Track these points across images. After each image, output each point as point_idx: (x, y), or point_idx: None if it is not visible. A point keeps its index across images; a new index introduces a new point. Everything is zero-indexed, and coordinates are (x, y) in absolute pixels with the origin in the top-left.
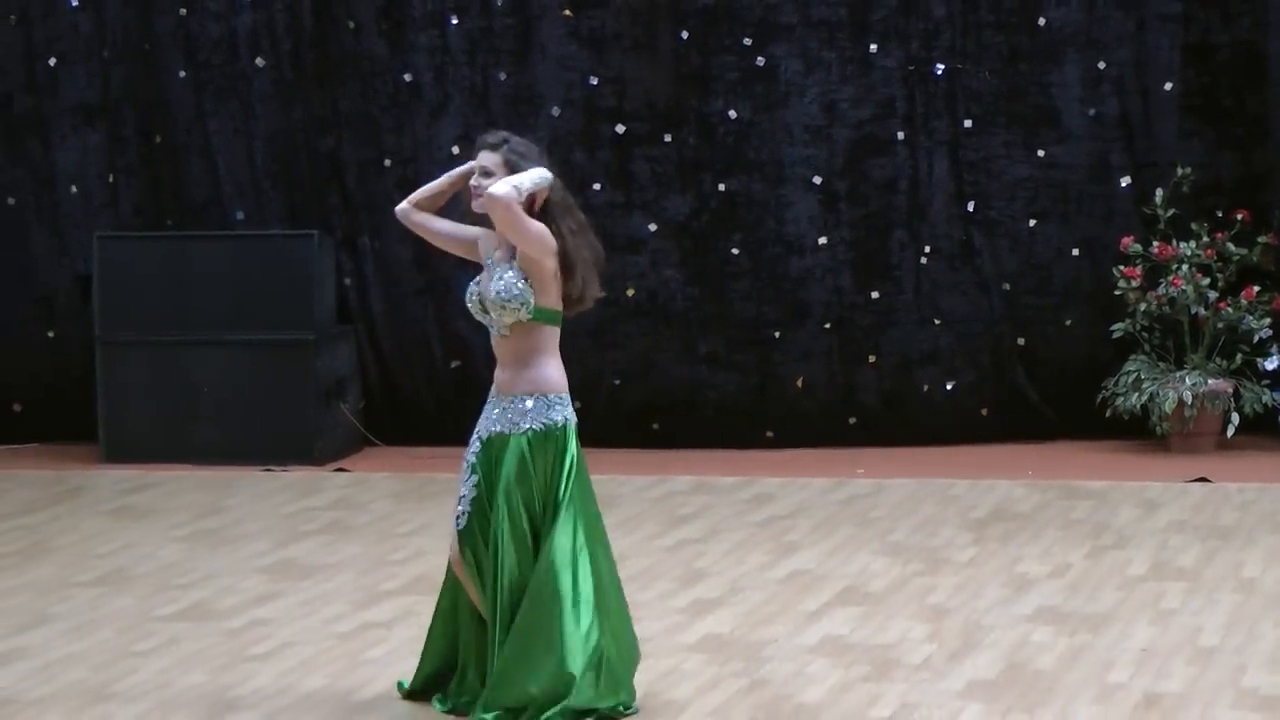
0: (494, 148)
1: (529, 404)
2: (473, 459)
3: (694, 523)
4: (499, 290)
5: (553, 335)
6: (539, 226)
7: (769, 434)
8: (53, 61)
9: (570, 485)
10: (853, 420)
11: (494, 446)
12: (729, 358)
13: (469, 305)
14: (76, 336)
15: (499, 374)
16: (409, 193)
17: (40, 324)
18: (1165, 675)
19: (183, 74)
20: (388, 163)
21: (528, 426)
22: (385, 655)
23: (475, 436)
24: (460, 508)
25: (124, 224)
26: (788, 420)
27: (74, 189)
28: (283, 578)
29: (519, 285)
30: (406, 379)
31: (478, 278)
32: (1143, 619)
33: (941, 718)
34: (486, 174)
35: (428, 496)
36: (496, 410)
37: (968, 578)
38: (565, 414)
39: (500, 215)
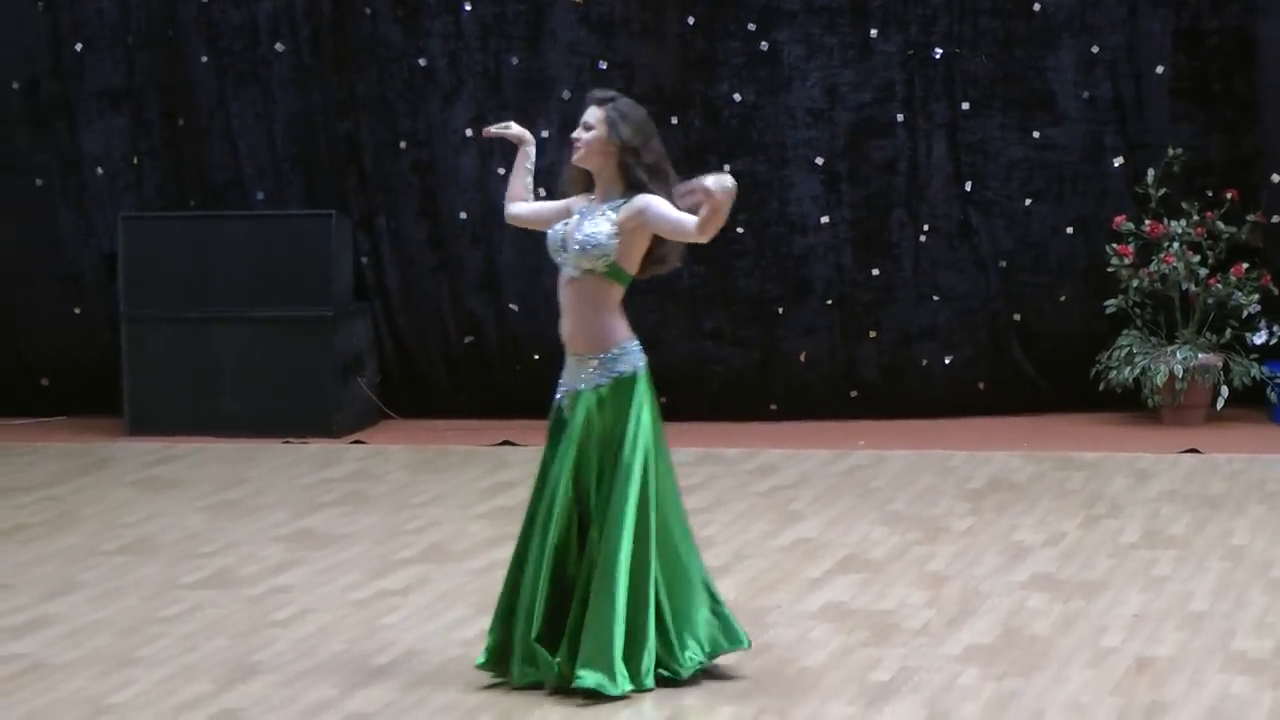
0: (600, 103)
1: (593, 364)
2: (550, 419)
3: (700, 493)
4: (586, 235)
5: (618, 294)
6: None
7: (772, 407)
8: (79, 47)
9: (636, 443)
10: (854, 394)
11: (566, 405)
12: (734, 333)
13: (549, 241)
14: (102, 313)
15: (562, 324)
16: (423, 174)
17: (67, 301)
18: (1156, 640)
19: (205, 59)
20: (403, 145)
21: (596, 384)
22: (400, 621)
23: (556, 395)
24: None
25: (148, 204)
26: (791, 394)
27: (100, 171)
28: (302, 546)
29: (608, 238)
30: (421, 354)
31: (566, 220)
32: (1134, 586)
33: (940, 681)
34: (587, 128)
35: (442, 468)
36: (568, 369)
37: (965, 546)
38: (633, 362)
39: (717, 221)
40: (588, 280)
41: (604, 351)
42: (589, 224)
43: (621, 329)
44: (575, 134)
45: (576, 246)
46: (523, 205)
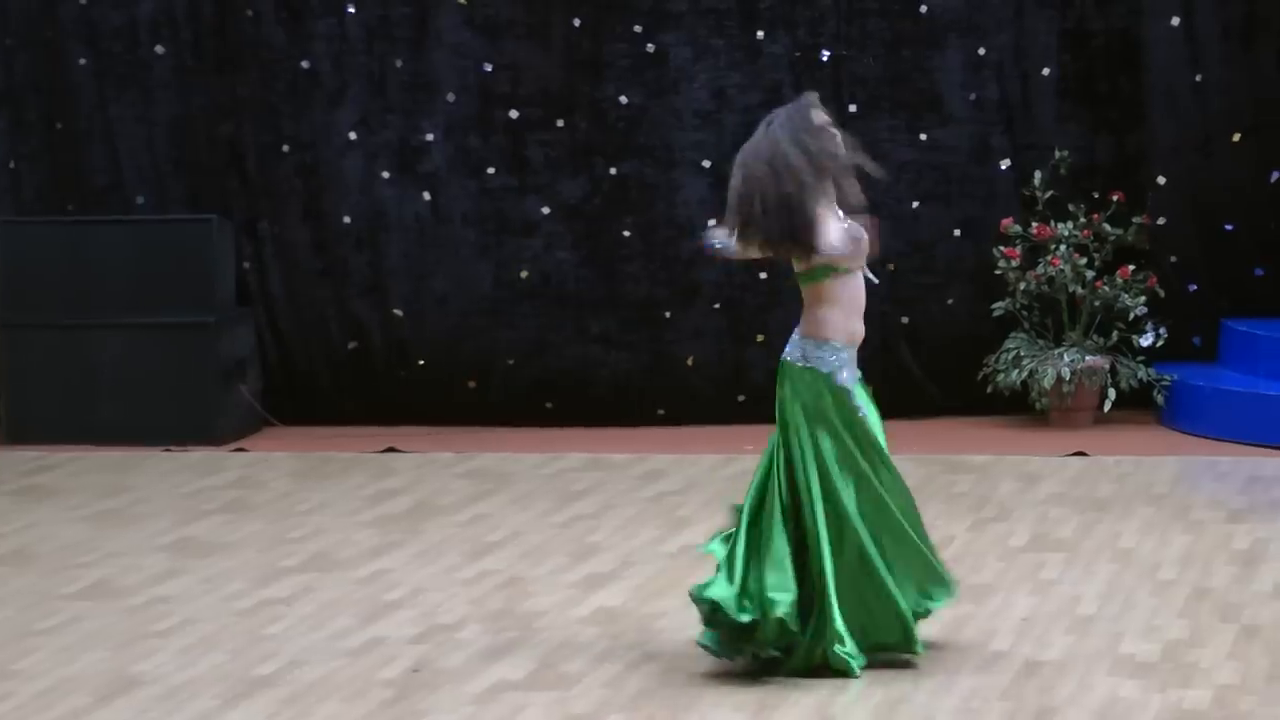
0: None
1: (795, 336)
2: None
3: (587, 499)
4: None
5: (829, 289)
6: (833, 233)
7: (660, 412)
8: None
9: (790, 436)
10: (742, 398)
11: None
12: (621, 337)
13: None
14: None
15: (857, 322)
16: (307, 178)
17: None
18: (1045, 644)
19: (84, 61)
20: (286, 148)
21: (786, 355)
22: (284, 631)
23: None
24: None
25: (26, 209)
26: (678, 398)
27: None
28: (183, 556)
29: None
30: (305, 360)
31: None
32: (1023, 589)
33: (829, 686)
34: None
35: (326, 475)
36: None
37: None
38: (830, 362)
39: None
40: (802, 277)
41: (808, 336)
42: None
43: (828, 324)
44: None
45: None
46: None
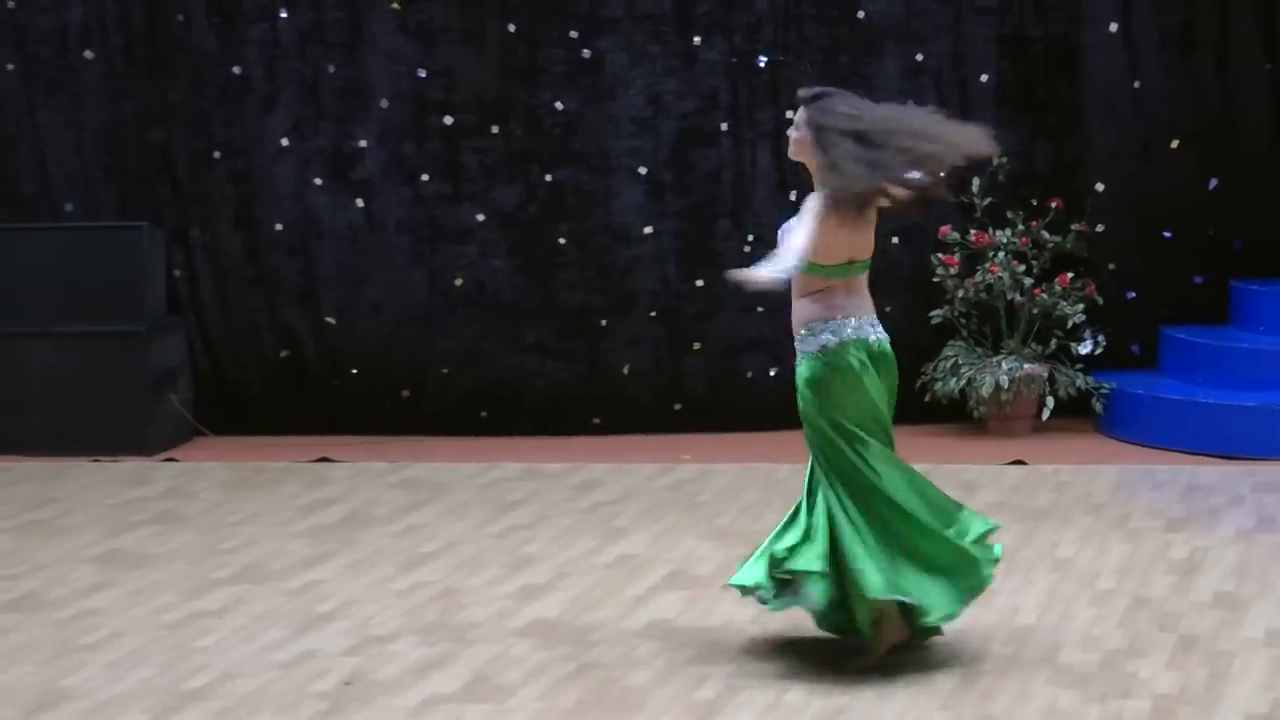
0: (805, 103)
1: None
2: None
3: (522, 509)
4: None
5: (808, 281)
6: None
7: (596, 421)
8: None
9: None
10: (678, 407)
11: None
12: (556, 346)
13: None
14: None
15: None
16: (239, 185)
17: None
18: (983, 653)
19: (12, 66)
20: (218, 155)
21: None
22: (215, 644)
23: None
24: None
25: None
26: (615, 407)
27: None
28: (112, 568)
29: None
30: (237, 369)
31: None
32: None
33: (766, 698)
34: (794, 129)
35: (258, 485)
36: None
37: None
38: (818, 341)
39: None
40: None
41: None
42: None
43: (803, 312)
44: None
45: None
46: None
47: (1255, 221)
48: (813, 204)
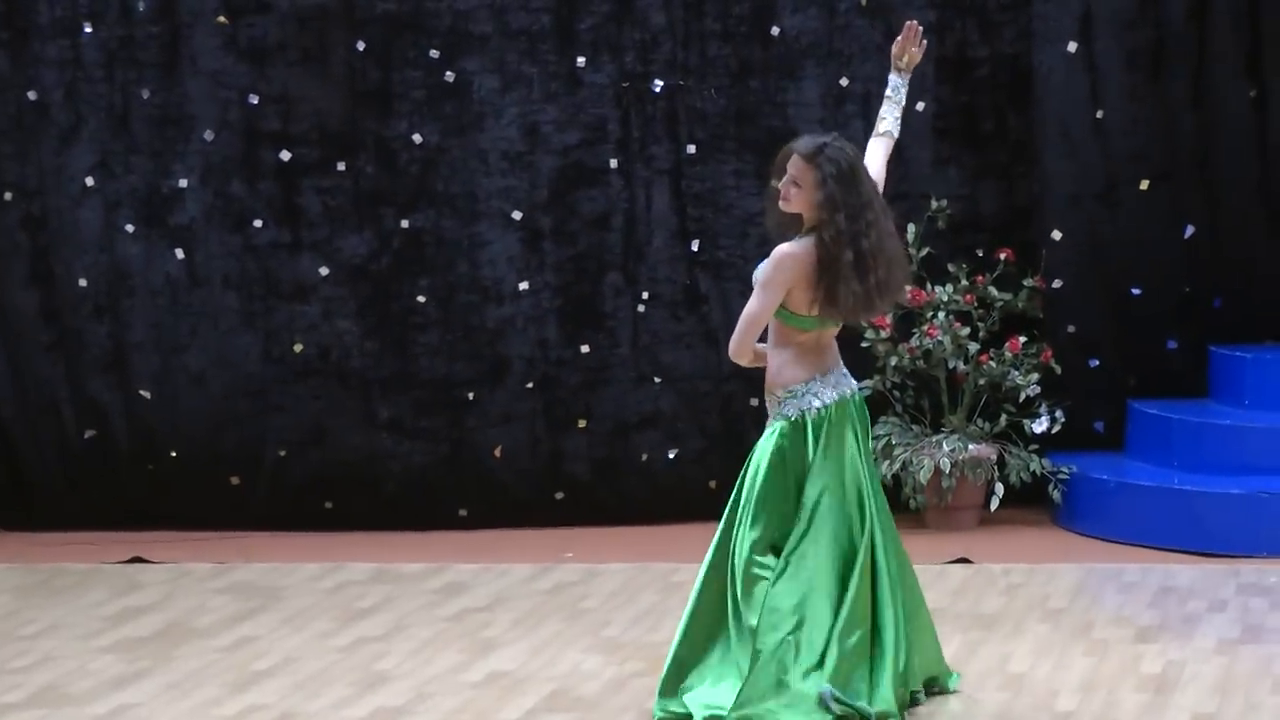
0: (808, 158)
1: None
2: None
3: (374, 617)
4: None
5: (790, 333)
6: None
7: (462, 512)
8: None
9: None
10: (560, 495)
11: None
12: (415, 424)
13: None
14: None
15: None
16: (34, 232)
17: None
18: None
19: None
20: (9, 196)
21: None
22: None
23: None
24: None
25: None
26: (484, 496)
27: None
28: None
29: None
30: (32, 452)
31: None
32: None
33: None
34: (795, 184)
35: (58, 591)
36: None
37: None
38: (796, 406)
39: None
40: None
41: (770, 392)
42: None
43: (783, 373)
44: (780, 183)
45: None
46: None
47: (1238, 276)
48: (786, 255)
